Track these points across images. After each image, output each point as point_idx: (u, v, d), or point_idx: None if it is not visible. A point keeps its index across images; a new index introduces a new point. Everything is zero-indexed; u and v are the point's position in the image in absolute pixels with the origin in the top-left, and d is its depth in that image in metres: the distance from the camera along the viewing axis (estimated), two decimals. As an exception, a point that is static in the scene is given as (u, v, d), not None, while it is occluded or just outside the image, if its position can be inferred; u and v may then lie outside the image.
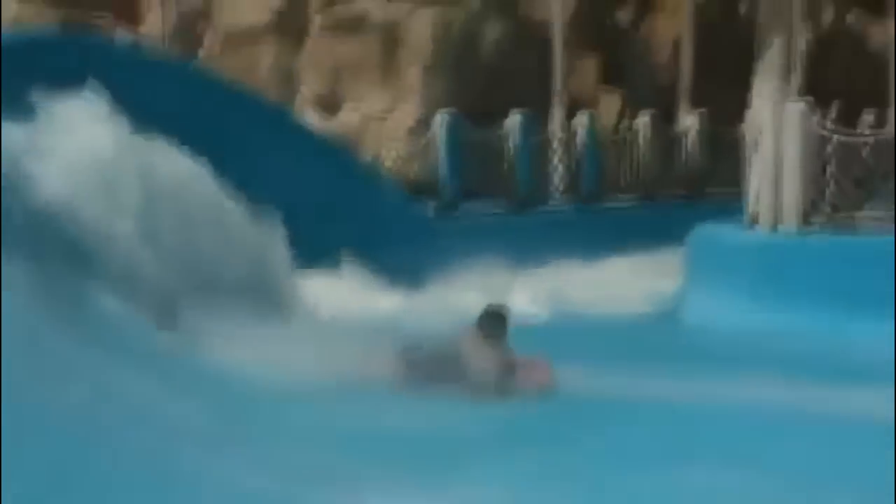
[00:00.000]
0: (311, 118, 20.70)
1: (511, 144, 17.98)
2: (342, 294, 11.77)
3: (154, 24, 24.82)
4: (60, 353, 6.47)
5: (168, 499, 5.21)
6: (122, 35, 24.15)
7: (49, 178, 9.00)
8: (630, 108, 23.29)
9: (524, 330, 10.60)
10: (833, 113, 20.35)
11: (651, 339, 10.55)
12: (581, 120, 19.48)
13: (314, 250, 12.05)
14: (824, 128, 11.70)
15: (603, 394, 8.07)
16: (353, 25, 22.12)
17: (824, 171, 11.62)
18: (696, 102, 22.99)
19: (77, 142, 9.43)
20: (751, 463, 6.37)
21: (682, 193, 21.07)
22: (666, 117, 22.26)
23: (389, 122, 21.81)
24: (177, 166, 10.39)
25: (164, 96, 11.50)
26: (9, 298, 5.99)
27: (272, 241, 11.05)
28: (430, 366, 8.42)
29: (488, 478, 6.21)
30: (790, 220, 11.25)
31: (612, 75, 24.37)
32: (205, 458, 5.76)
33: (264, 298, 10.40)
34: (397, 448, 6.71)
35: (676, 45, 24.72)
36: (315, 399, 7.76)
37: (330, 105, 22.35)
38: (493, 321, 8.72)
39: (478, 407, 7.94)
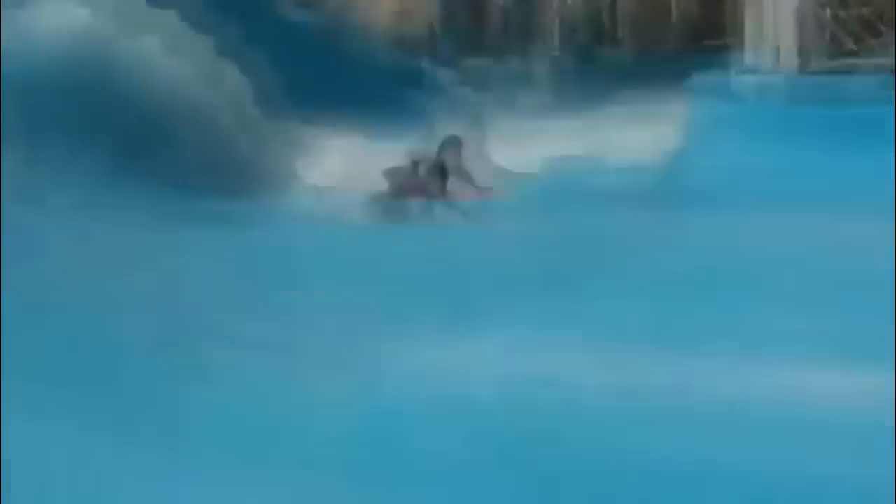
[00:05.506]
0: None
1: (505, -3, 17.75)
2: (341, 150, 11.75)
3: None
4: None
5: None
6: None
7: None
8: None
9: (523, 181, 10.68)
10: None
11: (654, 184, 10.56)
12: (575, -31, 19.16)
13: (309, 107, 11.97)
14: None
15: (606, 237, 8.10)
16: None
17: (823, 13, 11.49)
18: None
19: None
20: (751, 293, 6.45)
21: (678, 44, 20.81)
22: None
23: (381, -22, 21.47)
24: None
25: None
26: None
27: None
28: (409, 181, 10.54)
29: (493, 320, 6.28)
30: (789, 63, 11.16)
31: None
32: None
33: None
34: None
35: None
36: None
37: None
38: (452, 146, 10.72)
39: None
